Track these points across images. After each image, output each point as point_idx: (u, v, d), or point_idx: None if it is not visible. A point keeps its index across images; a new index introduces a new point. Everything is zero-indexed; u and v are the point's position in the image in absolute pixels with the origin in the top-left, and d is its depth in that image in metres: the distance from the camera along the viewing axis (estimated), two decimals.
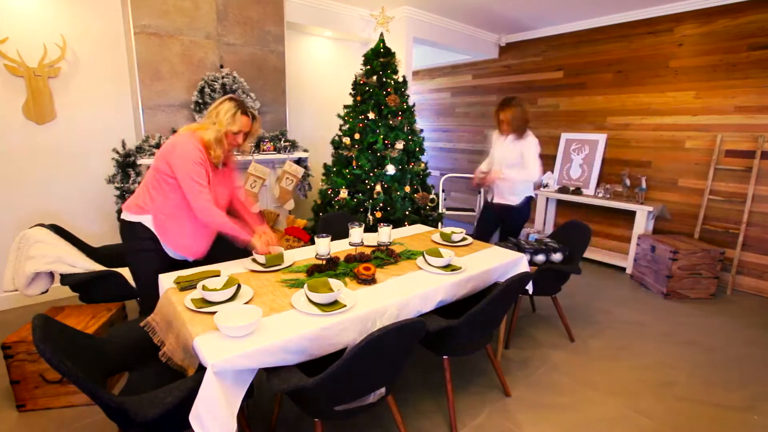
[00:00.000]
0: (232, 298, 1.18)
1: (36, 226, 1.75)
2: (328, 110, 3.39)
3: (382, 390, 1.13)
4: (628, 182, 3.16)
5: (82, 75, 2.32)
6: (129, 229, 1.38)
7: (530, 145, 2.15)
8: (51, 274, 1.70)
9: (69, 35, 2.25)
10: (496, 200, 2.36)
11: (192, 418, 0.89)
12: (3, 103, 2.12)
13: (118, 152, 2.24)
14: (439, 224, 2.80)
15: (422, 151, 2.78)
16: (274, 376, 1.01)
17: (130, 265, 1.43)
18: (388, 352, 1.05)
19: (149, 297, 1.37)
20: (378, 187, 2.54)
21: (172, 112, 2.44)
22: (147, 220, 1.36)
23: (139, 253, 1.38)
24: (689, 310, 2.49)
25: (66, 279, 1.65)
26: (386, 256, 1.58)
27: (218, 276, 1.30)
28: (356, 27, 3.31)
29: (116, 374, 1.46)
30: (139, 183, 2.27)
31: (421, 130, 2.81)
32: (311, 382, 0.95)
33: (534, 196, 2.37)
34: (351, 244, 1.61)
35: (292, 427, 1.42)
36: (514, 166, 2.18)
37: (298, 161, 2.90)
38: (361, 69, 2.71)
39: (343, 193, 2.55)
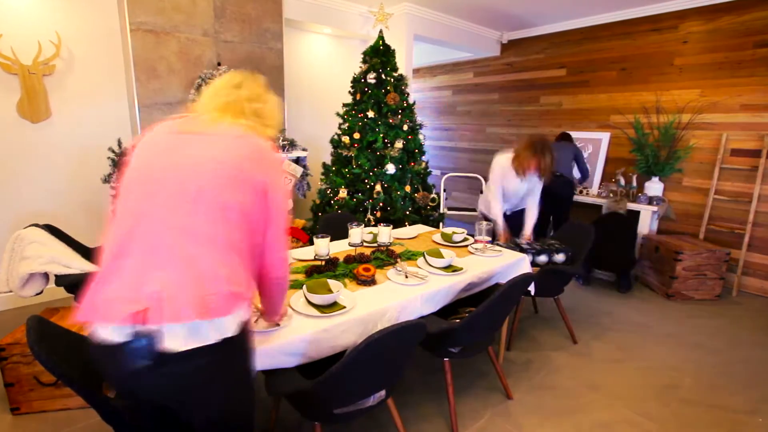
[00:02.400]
0: None
1: (30, 226, 1.73)
2: (327, 109, 3.35)
3: (382, 393, 1.11)
4: (622, 181, 3.14)
5: (77, 73, 2.30)
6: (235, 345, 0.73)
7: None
8: (46, 275, 1.68)
9: (64, 32, 2.22)
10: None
11: None
12: None
13: (114, 151, 2.21)
14: (441, 224, 2.77)
15: (422, 151, 2.75)
16: (273, 378, 0.99)
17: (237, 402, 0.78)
18: (388, 355, 1.04)
19: None
20: (378, 187, 2.52)
21: (168, 111, 2.41)
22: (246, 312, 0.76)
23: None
24: (694, 312, 2.46)
25: (61, 280, 1.62)
26: (386, 256, 1.55)
27: None
28: (355, 24, 3.27)
29: None
30: None
31: (421, 126, 2.77)
32: (310, 385, 0.94)
33: None
34: (350, 245, 1.59)
35: (291, 430, 1.40)
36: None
37: (297, 160, 2.87)
38: (361, 67, 2.68)
39: (343, 193, 2.53)
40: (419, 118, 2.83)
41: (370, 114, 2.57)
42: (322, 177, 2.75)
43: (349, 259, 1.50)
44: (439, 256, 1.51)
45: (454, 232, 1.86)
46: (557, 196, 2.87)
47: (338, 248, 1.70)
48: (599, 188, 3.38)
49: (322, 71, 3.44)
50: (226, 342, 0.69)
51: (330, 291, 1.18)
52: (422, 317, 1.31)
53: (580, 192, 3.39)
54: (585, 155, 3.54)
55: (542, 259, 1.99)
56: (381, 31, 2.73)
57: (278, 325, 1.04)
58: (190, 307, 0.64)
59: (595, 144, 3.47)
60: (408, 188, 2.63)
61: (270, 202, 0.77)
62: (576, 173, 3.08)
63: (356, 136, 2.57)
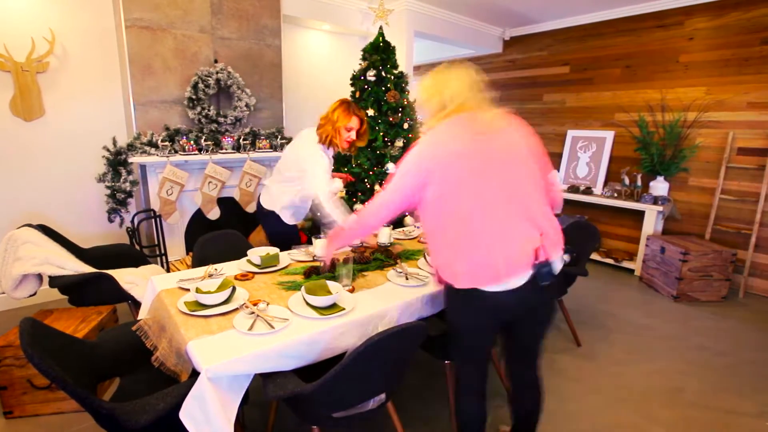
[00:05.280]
0: (226, 301, 1.14)
1: (24, 226, 1.70)
2: (327, 107, 3.31)
3: (382, 396, 1.09)
4: (627, 180, 3.10)
5: (71, 70, 2.26)
6: None
7: None
8: (39, 276, 1.65)
9: (58, 29, 2.18)
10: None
11: (186, 422, 0.86)
12: None
13: (108, 150, 2.18)
14: None
15: None
16: (270, 381, 0.97)
17: None
18: (389, 357, 1.01)
19: None
20: (378, 187, 2.48)
21: (164, 109, 2.38)
22: None
23: None
24: (700, 313, 2.43)
25: (55, 281, 1.60)
26: (386, 257, 1.52)
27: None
28: (355, 20, 3.23)
29: (107, 380, 1.40)
30: (130, 182, 2.21)
31: (420, 125, 2.73)
32: (308, 388, 0.91)
33: None
34: (349, 245, 1.55)
35: None
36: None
37: None
38: (360, 64, 2.64)
39: (342, 193, 2.49)
40: (420, 117, 2.79)
41: (370, 112, 2.53)
42: None
43: (348, 261, 1.47)
44: None
45: None
46: None
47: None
48: (604, 188, 3.34)
49: (321, 68, 3.40)
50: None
51: (329, 292, 1.16)
52: (423, 319, 1.28)
53: (585, 191, 3.35)
54: (589, 154, 3.50)
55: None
56: (381, 28, 2.69)
57: (273, 328, 1.02)
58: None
59: (599, 143, 3.42)
60: None
61: None
62: None
63: None
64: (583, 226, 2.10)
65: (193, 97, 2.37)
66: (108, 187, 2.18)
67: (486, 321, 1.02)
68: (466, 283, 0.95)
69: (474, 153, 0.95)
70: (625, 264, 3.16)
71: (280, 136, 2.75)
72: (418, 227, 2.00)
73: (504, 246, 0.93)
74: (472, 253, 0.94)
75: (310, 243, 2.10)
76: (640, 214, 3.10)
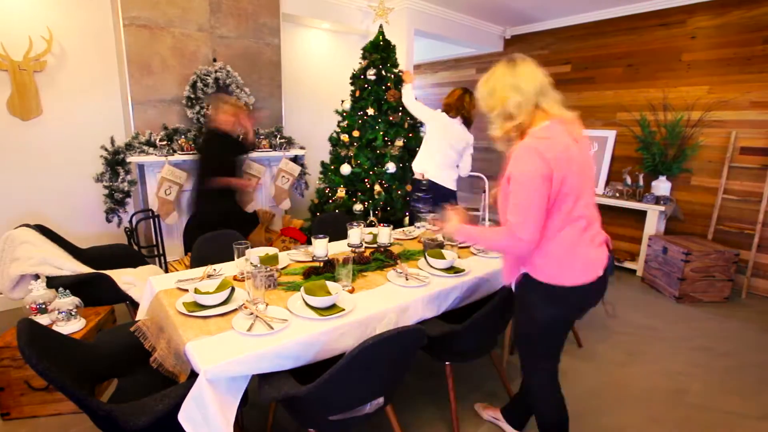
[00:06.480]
0: (225, 302, 1.13)
1: (21, 226, 1.70)
2: (326, 106, 3.30)
3: (380, 400, 1.07)
4: (629, 180, 3.08)
5: (69, 69, 2.25)
6: None
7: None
8: (37, 277, 1.64)
9: (56, 28, 2.17)
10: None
11: (185, 424, 0.85)
12: None
13: (106, 149, 2.17)
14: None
15: None
16: (265, 383, 0.97)
17: None
18: (386, 361, 1.01)
19: None
20: (378, 187, 2.47)
21: (163, 108, 2.37)
22: None
23: None
24: (702, 314, 2.41)
25: (52, 281, 1.59)
26: (386, 258, 1.51)
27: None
28: (355, 19, 3.22)
29: (105, 381, 1.41)
30: (128, 182, 2.20)
31: (422, 124, 2.72)
32: (303, 391, 0.91)
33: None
34: (350, 246, 1.54)
35: None
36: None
37: (295, 159, 2.83)
38: (360, 63, 2.63)
39: (341, 192, 2.48)
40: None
41: (370, 111, 2.52)
42: (321, 176, 2.70)
43: (348, 261, 1.46)
44: (441, 257, 1.46)
45: None
46: None
47: (337, 249, 1.66)
48: (605, 188, 3.32)
49: (320, 67, 3.39)
50: None
51: (329, 293, 1.15)
52: (424, 321, 1.27)
53: None
54: (590, 153, 3.48)
55: None
56: (381, 26, 2.68)
57: (272, 328, 1.00)
58: None
59: (600, 142, 3.41)
60: (409, 188, 2.58)
61: None
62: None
63: (356, 134, 2.52)
64: None
65: (192, 96, 2.36)
66: (106, 187, 2.17)
67: (572, 315, 1.13)
68: (576, 278, 1.04)
69: (576, 158, 1.02)
70: (627, 264, 3.14)
71: (279, 135, 2.74)
72: (418, 227, 1.99)
73: (599, 241, 1.09)
74: (588, 250, 1.05)
75: (309, 243, 2.08)
76: (641, 214, 3.08)
